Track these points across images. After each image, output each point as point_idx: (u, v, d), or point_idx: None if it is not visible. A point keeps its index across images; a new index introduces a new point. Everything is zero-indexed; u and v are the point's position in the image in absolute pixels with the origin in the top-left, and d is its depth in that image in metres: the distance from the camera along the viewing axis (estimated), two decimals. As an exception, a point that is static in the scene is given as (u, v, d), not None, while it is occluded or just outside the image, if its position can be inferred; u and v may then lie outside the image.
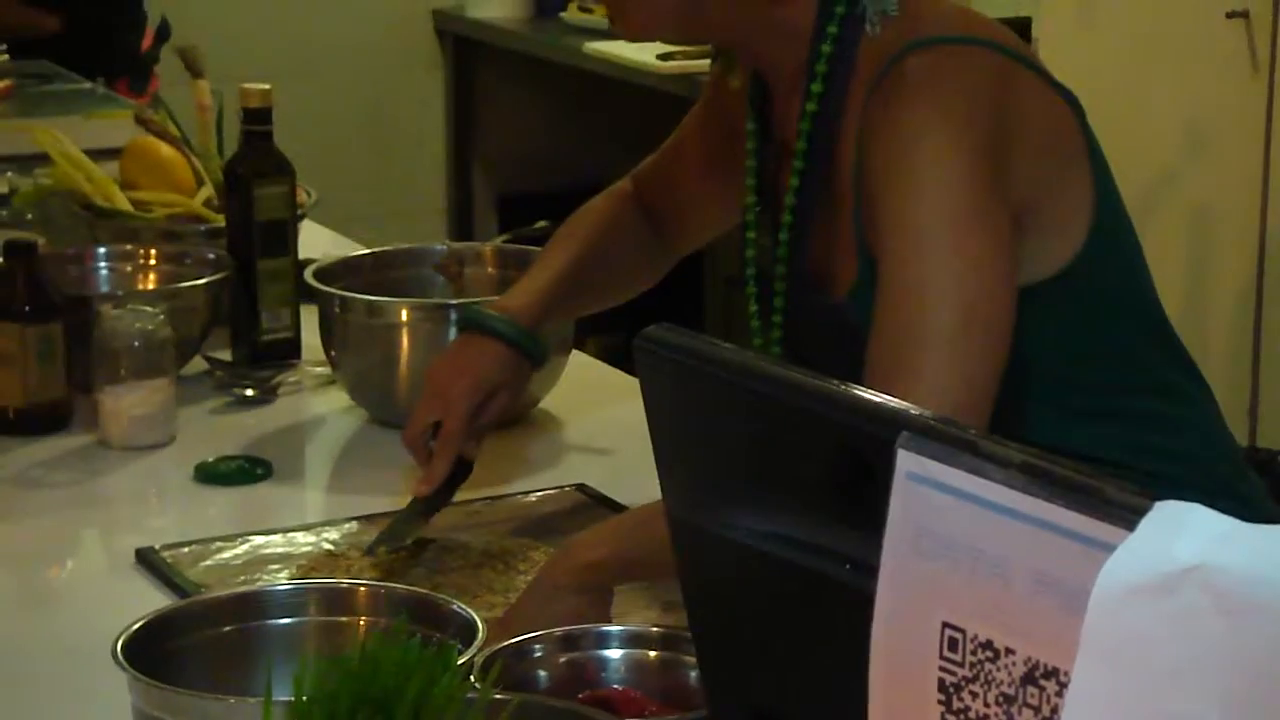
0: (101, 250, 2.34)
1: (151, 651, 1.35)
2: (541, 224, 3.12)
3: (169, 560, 1.76)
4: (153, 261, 2.33)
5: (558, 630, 1.43)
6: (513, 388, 1.83)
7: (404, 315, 2.08)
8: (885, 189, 1.52)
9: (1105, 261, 1.62)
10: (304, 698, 1.04)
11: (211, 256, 2.27)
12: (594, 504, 1.90)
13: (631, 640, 1.43)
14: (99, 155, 2.54)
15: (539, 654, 1.41)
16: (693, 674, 1.37)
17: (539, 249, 2.29)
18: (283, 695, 1.08)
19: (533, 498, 1.92)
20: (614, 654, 1.42)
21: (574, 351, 2.17)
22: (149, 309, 2.06)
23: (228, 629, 1.39)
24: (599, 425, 2.09)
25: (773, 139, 1.69)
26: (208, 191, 2.45)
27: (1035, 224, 1.57)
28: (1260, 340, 3.27)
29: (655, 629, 1.44)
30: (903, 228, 1.50)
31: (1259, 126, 3.22)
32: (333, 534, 1.82)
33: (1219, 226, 3.31)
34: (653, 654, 1.42)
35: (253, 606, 1.40)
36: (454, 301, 2.15)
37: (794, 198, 1.63)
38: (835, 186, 1.61)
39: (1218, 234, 3.31)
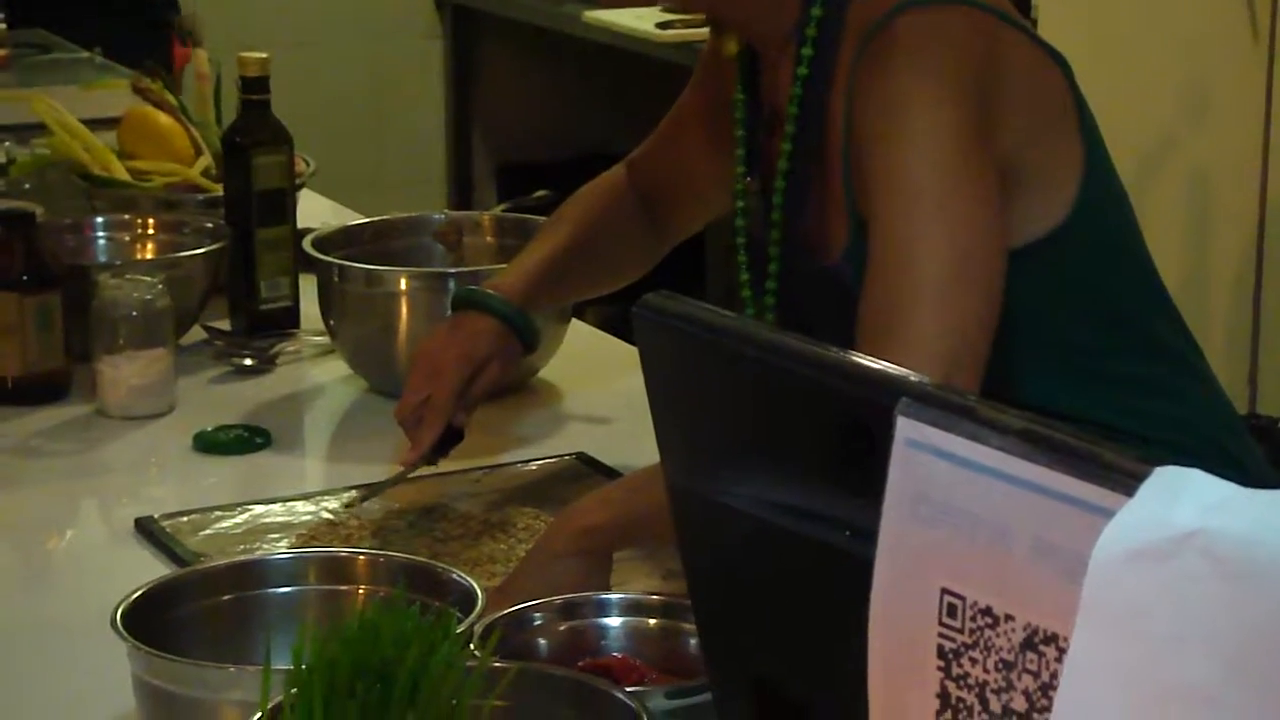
0: (99, 220, 2.34)
1: (151, 621, 1.35)
2: (541, 193, 3.11)
3: (168, 529, 1.76)
4: (151, 231, 2.33)
5: (557, 598, 1.43)
6: (503, 360, 1.83)
7: (403, 284, 2.08)
8: (874, 148, 1.52)
9: (1096, 222, 1.62)
10: (303, 666, 1.04)
11: (210, 226, 2.27)
12: (594, 473, 1.90)
13: (631, 608, 1.43)
14: (97, 125, 2.53)
15: (539, 622, 1.41)
16: (693, 641, 1.37)
17: (539, 218, 2.30)
18: (282, 664, 1.08)
19: (533, 467, 1.92)
20: (614, 622, 1.42)
21: (573, 321, 2.17)
22: (147, 279, 2.06)
23: (227, 598, 1.39)
24: (599, 394, 2.09)
25: (762, 107, 1.69)
26: (206, 161, 2.45)
27: (1025, 184, 1.57)
28: (1260, 307, 3.27)
29: (655, 597, 1.44)
30: (892, 185, 1.50)
31: (1259, 93, 3.21)
32: (332, 503, 1.82)
33: (1220, 193, 3.30)
34: (653, 622, 1.42)
35: (252, 575, 1.40)
36: (453, 270, 2.15)
37: (786, 162, 1.63)
38: (826, 151, 1.61)
39: (1218, 200, 3.31)
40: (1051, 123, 1.60)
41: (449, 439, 1.81)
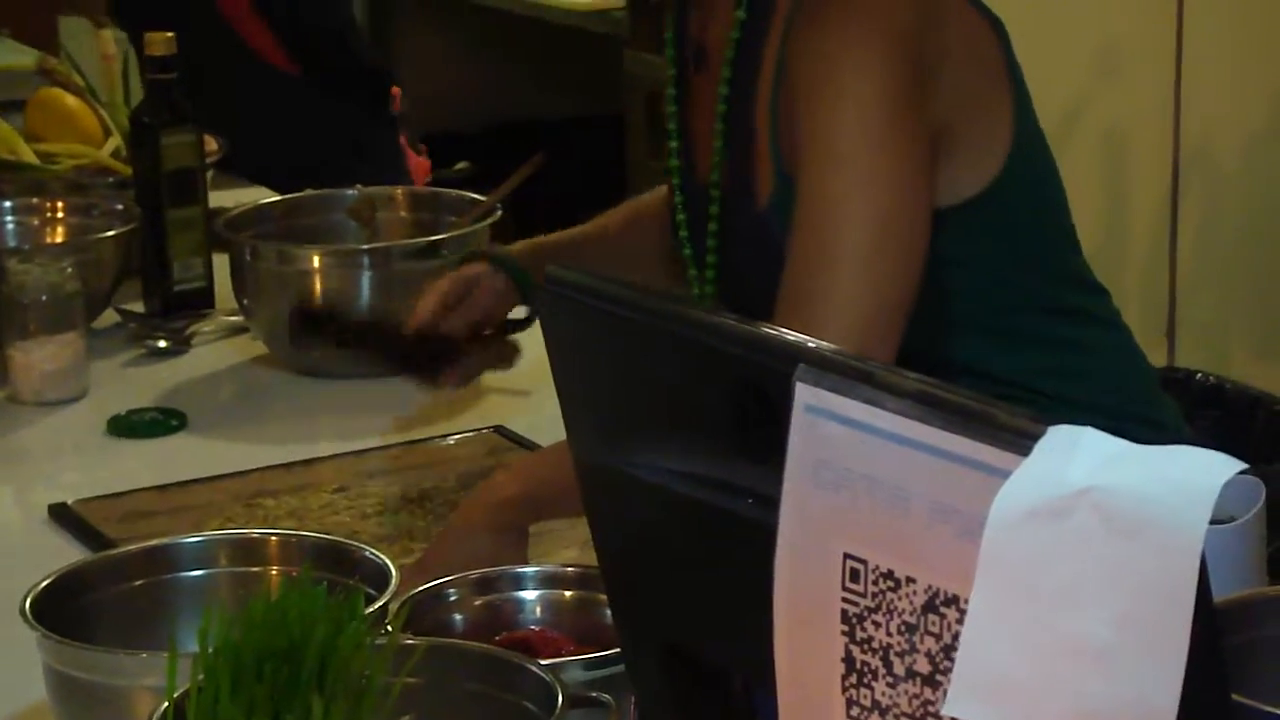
0: (7, 204, 2.31)
1: (63, 608, 1.33)
2: (462, 165, 3.08)
3: (83, 515, 1.75)
4: (60, 214, 2.31)
5: (473, 573, 1.43)
6: (494, 290, 1.84)
7: (316, 261, 2.06)
8: (805, 108, 1.53)
9: (1023, 185, 1.63)
10: (209, 650, 1.03)
11: (120, 208, 2.25)
12: (512, 446, 1.89)
13: (547, 581, 1.43)
14: (3, 107, 2.51)
15: (454, 598, 1.41)
16: (609, 612, 1.37)
17: (453, 192, 2.29)
18: (192, 649, 1.07)
19: (451, 441, 1.91)
20: (530, 595, 1.42)
21: (490, 293, 2.15)
22: (57, 262, 2.04)
23: (139, 583, 1.38)
24: (517, 367, 2.08)
25: (689, 44, 1.69)
26: (115, 142, 2.43)
27: (955, 145, 1.57)
28: (1175, 260, 3.30)
29: (571, 569, 1.44)
30: (820, 147, 1.51)
31: (1169, 48, 3.23)
32: (249, 484, 1.81)
33: (1133, 148, 3.32)
34: (569, 594, 1.42)
35: (163, 559, 1.39)
36: (366, 246, 2.13)
37: (724, 106, 1.63)
38: (757, 97, 1.62)
39: (1132, 155, 3.33)
40: (984, 85, 1.61)
41: (442, 350, 1.81)
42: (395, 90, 2.98)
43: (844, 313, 1.47)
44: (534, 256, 1.87)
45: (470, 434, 1.92)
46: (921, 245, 1.51)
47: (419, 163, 2.96)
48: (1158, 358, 2.42)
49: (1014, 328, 1.65)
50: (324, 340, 1.93)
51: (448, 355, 1.83)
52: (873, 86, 1.50)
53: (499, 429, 1.93)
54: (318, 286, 2.06)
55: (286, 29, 2.86)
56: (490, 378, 2.08)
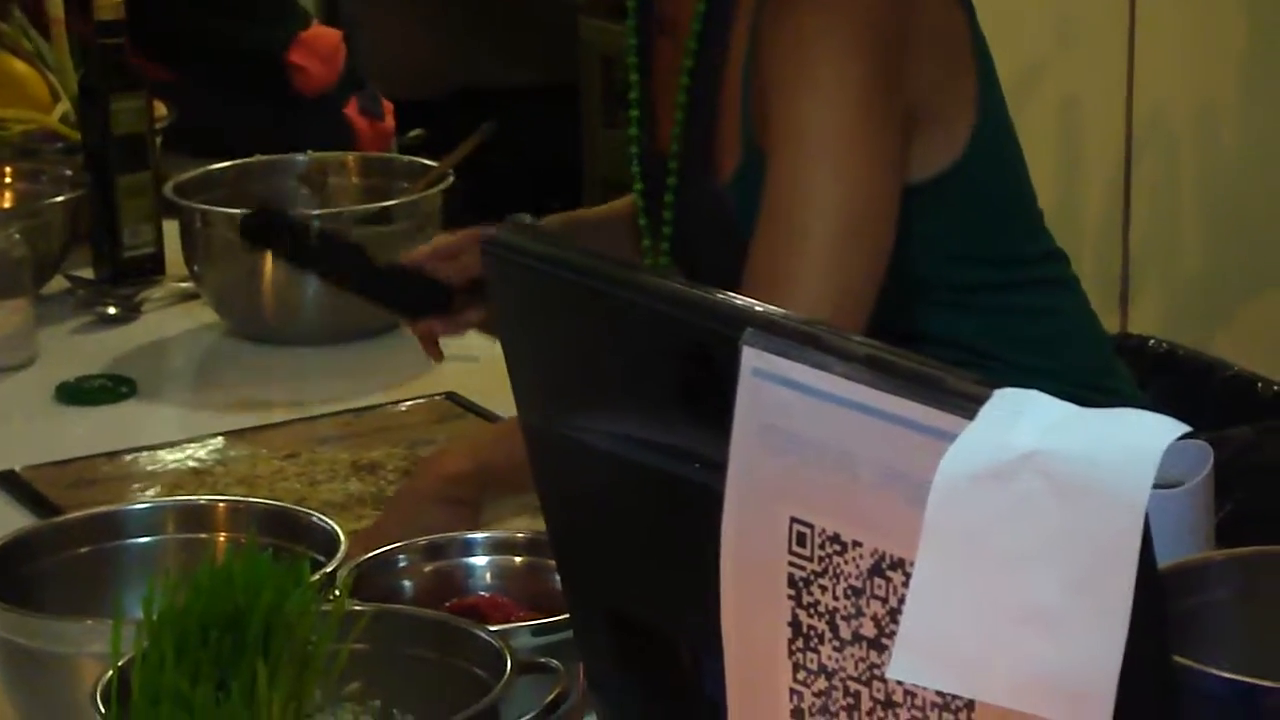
0: (-46, 171, 2.30)
1: (10, 575, 1.32)
2: (416, 132, 3.06)
3: (30, 482, 1.74)
4: (8, 180, 2.30)
5: (422, 540, 1.42)
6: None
7: (266, 227, 2.05)
8: (781, 87, 1.52)
9: (987, 159, 1.64)
10: (154, 618, 1.02)
11: (69, 174, 2.24)
12: (464, 413, 1.89)
13: (497, 547, 1.42)
14: (-50, 73, 2.48)
15: (404, 564, 1.40)
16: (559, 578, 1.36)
17: (405, 158, 2.28)
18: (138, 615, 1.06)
19: (402, 407, 1.90)
20: (480, 561, 1.41)
21: (442, 260, 2.14)
22: (5, 228, 2.03)
23: (85, 550, 1.37)
24: (468, 333, 2.07)
25: (653, 11, 1.68)
26: (64, 107, 2.41)
27: (922, 124, 1.58)
28: (1129, 228, 3.31)
29: (520, 535, 1.43)
30: (792, 135, 1.51)
31: (1123, 18, 3.23)
32: (198, 451, 1.80)
33: (1087, 117, 3.33)
34: (519, 559, 1.42)
35: (110, 526, 1.38)
36: (317, 212, 2.12)
37: (688, 78, 1.62)
38: (725, 70, 1.61)
39: (1086, 125, 3.33)
40: (952, 63, 1.61)
41: (429, 289, 1.77)
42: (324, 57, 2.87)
43: (810, 296, 1.48)
44: (565, 226, 1.85)
45: (421, 400, 1.91)
46: (889, 231, 1.52)
47: (377, 129, 2.92)
48: (1111, 325, 2.43)
49: (976, 297, 1.66)
50: (276, 248, 1.85)
51: (435, 295, 1.78)
52: (846, 75, 1.50)
53: (450, 395, 1.92)
54: (268, 253, 2.04)
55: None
56: (441, 343, 2.07)
